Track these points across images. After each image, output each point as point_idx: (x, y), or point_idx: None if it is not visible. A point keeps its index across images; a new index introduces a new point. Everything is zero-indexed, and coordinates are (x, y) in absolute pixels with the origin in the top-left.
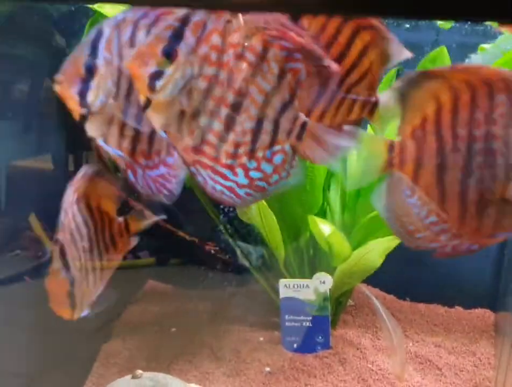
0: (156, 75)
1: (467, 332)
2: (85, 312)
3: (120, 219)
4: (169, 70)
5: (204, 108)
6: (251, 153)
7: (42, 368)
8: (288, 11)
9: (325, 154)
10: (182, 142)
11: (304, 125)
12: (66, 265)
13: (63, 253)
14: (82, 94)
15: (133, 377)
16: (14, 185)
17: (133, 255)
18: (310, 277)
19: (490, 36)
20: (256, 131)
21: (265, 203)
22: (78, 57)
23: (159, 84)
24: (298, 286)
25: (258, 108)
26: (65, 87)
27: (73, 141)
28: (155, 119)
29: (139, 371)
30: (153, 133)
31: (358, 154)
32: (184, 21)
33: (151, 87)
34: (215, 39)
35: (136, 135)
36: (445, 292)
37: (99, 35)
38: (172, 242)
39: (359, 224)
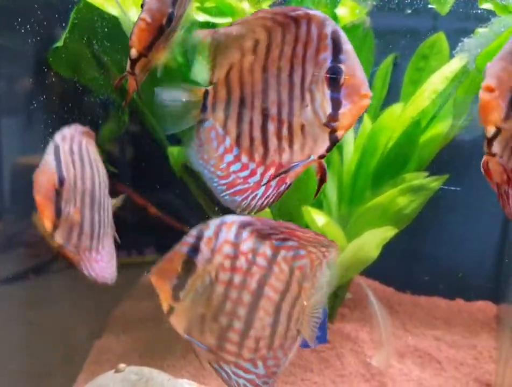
0: (178, 286)
1: (467, 325)
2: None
3: None
4: (190, 281)
5: (223, 310)
6: (270, 346)
7: (35, 366)
8: None
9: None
10: (205, 342)
11: (304, 309)
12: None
13: None
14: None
15: (116, 371)
16: (17, 183)
17: (138, 252)
18: None
19: (487, 20)
20: (273, 325)
21: None
22: None
23: (182, 294)
24: None
25: (274, 305)
26: None
27: None
28: (178, 325)
29: (122, 365)
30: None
31: None
32: (199, 237)
33: (175, 297)
34: (228, 249)
35: None
36: (446, 284)
37: None
38: (178, 238)
39: (356, 215)
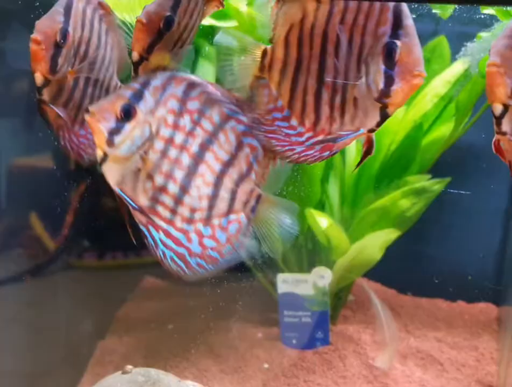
0: (115, 131)
1: (469, 327)
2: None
3: None
4: (128, 127)
5: (160, 169)
6: (207, 220)
7: (38, 367)
8: None
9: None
10: (137, 201)
11: (258, 198)
12: None
13: None
14: (54, 61)
15: (123, 373)
16: (14, 184)
17: (135, 253)
18: (309, 271)
19: (489, 25)
20: (212, 198)
21: None
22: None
23: (117, 139)
24: (296, 281)
25: (215, 175)
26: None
27: None
28: (110, 175)
29: (129, 366)
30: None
31: None
32: (145, 84)
33: (109, 142)
34: (173, 103)
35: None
36: (447, 286)
37: None
38: None
39: (358, 217)
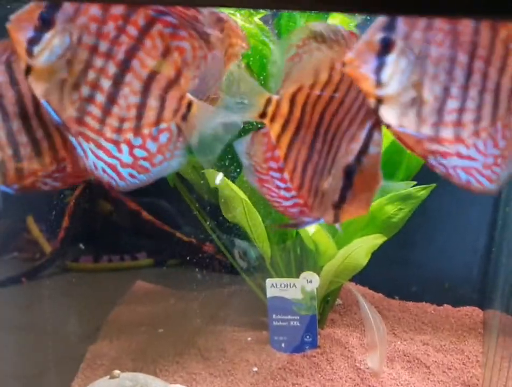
0: (34, 41)
1: (455, 331)
2: None
3: None
4: (46, 37)
5: (85, 79)
6: (137, 130)
7: (30, 370)
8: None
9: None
10: (65, 112)
11: (190, 105)
12: None
13: None
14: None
15: (111, 377)
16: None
17: (131, 256)
18: (297, 276)
19: None
20: (140, 107)
21: (249, 201)
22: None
23: (36, 49)
24: (285, 286)
25: (142, 83)
26: None
27: None
28: (36, 86)
29: (117, 371)
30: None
31: None
32: None
33: (29, 52)
34: (95, 10)
35: None
36: (433, 290)
37: None
38: (170, 243)
39: (345, 223)
